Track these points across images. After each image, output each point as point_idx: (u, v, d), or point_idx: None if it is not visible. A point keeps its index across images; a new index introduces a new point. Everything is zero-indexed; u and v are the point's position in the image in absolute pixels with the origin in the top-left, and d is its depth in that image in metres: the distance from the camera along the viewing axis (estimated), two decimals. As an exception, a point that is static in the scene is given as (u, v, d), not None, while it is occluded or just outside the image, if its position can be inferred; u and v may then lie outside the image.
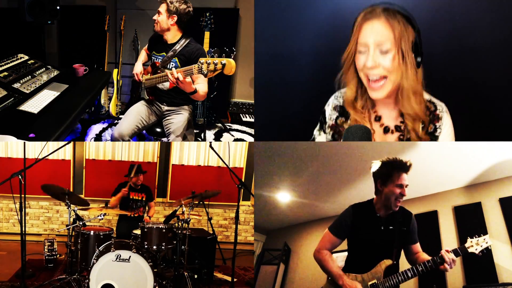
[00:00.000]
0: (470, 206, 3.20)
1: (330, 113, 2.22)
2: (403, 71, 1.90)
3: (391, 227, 2.05)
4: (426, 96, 2.07)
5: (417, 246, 2.11)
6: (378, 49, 1.88)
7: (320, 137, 2.32)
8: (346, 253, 2.20)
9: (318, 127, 2.33)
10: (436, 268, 1.91)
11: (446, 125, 2.05)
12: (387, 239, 2.05)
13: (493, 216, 3.00)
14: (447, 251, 1.89)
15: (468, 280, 2.89)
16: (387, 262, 2.00)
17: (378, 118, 2.12)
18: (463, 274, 2.92)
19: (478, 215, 3.08)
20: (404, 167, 2.01)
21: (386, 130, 2.11)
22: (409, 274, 1.96)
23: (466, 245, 1.89)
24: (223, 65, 2.52)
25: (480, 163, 2.99)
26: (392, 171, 2.02)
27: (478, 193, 3.21)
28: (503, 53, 2.56)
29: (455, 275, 2.95)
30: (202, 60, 2.57)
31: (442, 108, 2.05)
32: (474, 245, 1.86)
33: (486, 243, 1.86)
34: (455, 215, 3.26)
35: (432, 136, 2.04)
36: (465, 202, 3.26)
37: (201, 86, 2.99)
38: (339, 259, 3.49)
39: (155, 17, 3.10)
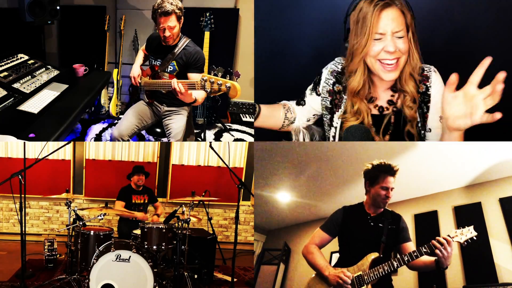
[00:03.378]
0: (470, 206, 3.20)
1: (326, 76, 2.28)
2: (412, 52, 2.01)
3: (380, 224, 2.10)
4: None
5: (409, 245, 2.09)
6: (395, 35, 1.96)
7: (311, 97, 2.37)
8: (338, 254, 2.22)
9: (311, 86, 2.39)
10: (431, 253, 1.88)
11: (435, 82, 2.10)
12: (376, 235, 2.07)
13: (493, 216, 3.00)
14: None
15: (468, 280, 2.89)
16: (373, 255, 2.01)
17: (372, 100, 2.18)
18: (463, 274, 2.92)
19: (478, 215, 3.08)
20: (390, 170, 2.10)
21: (381, 110, 2.17)
22: (395, 264, 1.94)
23: (451, 234, 1.91)
24: (228, 88, 2.48)
25: (480, 163, 2.99)
26: (378, 173, 2.11)
27: (478, 193, 3.21)
28: (504, 54, 2.56)
29: (455, 275, 2.95)
30: (205, 77, 2.51)
31: (429, 69, 2.12)
32: (459, 234, 1.89)
33: (471, 233, 1.89)
34: (455, 215, 3.26)
35: (425, 96, 2.10)
36: (465, 202, 3.26)
37: (199, 92, 2.91)
38: (333, 259, 3.49)
39: (166, 34, 2.89)
